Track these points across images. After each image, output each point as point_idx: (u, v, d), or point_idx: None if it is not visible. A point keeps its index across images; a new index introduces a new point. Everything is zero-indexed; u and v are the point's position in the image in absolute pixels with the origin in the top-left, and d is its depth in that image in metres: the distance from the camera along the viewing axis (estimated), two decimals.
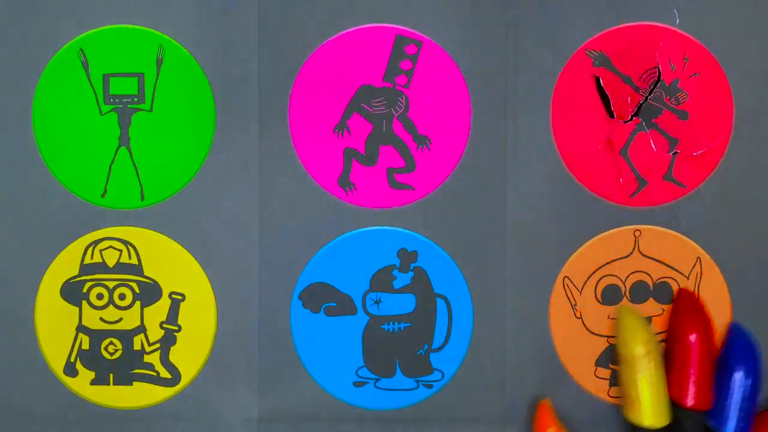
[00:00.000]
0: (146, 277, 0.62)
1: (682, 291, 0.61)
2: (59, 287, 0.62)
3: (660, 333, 0.62)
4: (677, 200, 0.62)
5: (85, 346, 0.63)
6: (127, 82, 0.61)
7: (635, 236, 0.62)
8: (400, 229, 0.62)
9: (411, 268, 0.62)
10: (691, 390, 0.58)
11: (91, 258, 0.62)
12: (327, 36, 0.61)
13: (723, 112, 0.61)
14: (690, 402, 0.58)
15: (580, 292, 0.62)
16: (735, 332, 0.60)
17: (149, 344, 0.63)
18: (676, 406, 0.58)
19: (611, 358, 0.62)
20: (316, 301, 0.62)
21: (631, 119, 0.61)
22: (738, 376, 0.58)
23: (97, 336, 0.63)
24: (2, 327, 0.62)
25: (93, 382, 0.63)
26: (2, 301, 0.62)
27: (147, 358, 0.63)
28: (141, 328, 0.63)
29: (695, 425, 0.58)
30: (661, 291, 0.62)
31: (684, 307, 0.60)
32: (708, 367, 0.58)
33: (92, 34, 0.61)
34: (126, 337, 0.63)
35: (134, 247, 0.62)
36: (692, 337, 0.58)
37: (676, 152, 0.61)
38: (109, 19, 0.61)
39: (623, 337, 0.58)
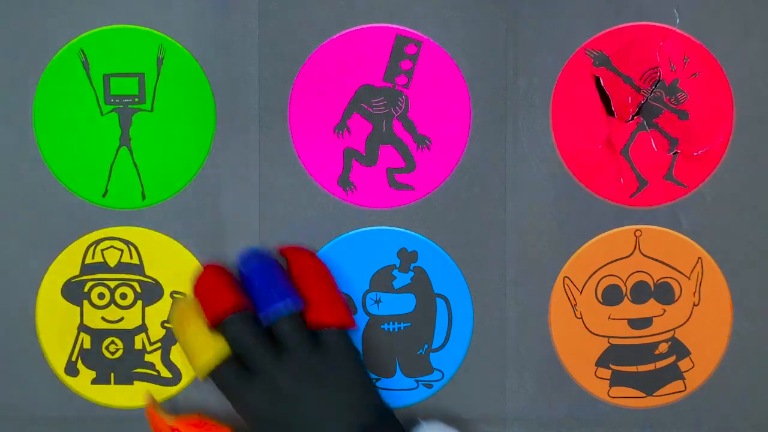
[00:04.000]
0: (147, 277, 0.62)
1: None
2: (60, 287, 0.62)
3: (659, 333, 0.62)
4: (678, 200, 0.62)
5: (87, 345, 0.63)
6: (128, 82, 0.61)
7: (636, 236, 0.62)
8: (400, 229, 0.62)
9: (411, 268, 0.62)
10: (328, 311, 0.57)
11: (93, 258, 0.62)
12: (327, 36, 0.61)
13: (723, 112, 0.61)
14: (333, 320, 0.57)
15: (581, 293, 0.62)
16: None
17: (150, 344, 0.63)
18: (323, 332, 0.57)
19: None
20: None
21: (632, 119, 0.61)
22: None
23: (98, 335, 0.63)
24: (3, 326, 0.62)
25: (94, 382, 0.63)
26: (3, 300, 0.62)
27: (148, 358, 0.63)
28: (142, 328, 0.63)
29: (343, 344, 0.57)
30: (661, 291, 0.62)
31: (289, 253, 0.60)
32: (332, 288, 0.58)
33: (93, 35, 0.61)
34: (127, 336, 0.63)
35: (135, 247, 0.62)
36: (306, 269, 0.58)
37: (676, 152, 0.61)
38: (110, 19, 0.61)
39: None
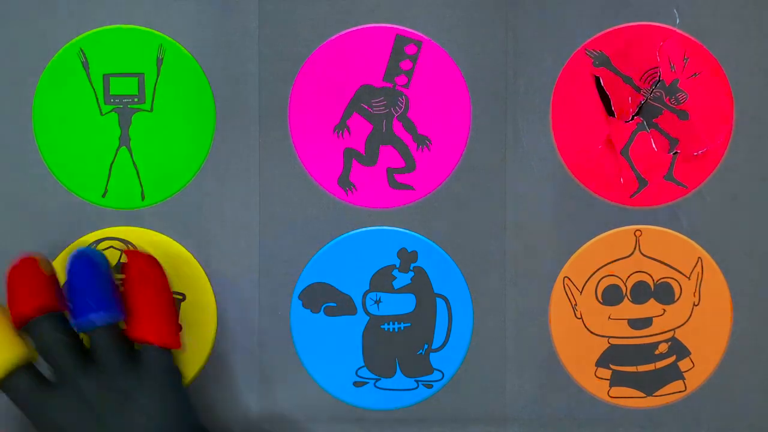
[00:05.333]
0: None
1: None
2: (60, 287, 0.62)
3: (659, 333, 0.62)
4: (678, 200, 0.62)
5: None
6: (128, 82, 0.61)
7: (636, 236, 0.62)
8: (400, 229, 0.62)
9: (411, 268, 0.62)
10: (150, 326, 0.54)
11: None
12: (327, 36, 0.61)
13: (723, 112, 0.61)
14: (153, 338, 0.54)
15: (581, 293, 0.62)
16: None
17: None
18: (143, 348, 0.54)
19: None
20: (316, 301, 0.62)
21: (632, 119, 0.61)
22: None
23: None
24: None
25: None
26: (4, 301, 0.62)
27: None
28: None
29: (161, 366, 0.54)
30: (662, 291, 0.62)
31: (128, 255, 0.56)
32: (162, 301, 0.55)
33: (92, 34, 0.61)
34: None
35: (135, 247, 0.62)
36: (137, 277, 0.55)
37: (676, 152, 0.61)
38: (110, 19, 0.61)
39: None
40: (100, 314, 0.53)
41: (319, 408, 0.62)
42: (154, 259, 0.57)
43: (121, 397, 0.53)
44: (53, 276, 0.55)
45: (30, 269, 0.54)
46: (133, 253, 0.57)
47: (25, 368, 0.53)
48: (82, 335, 0.55)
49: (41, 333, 0.53)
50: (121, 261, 0.57)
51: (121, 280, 0.56)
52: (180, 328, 0.56)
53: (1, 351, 0.52)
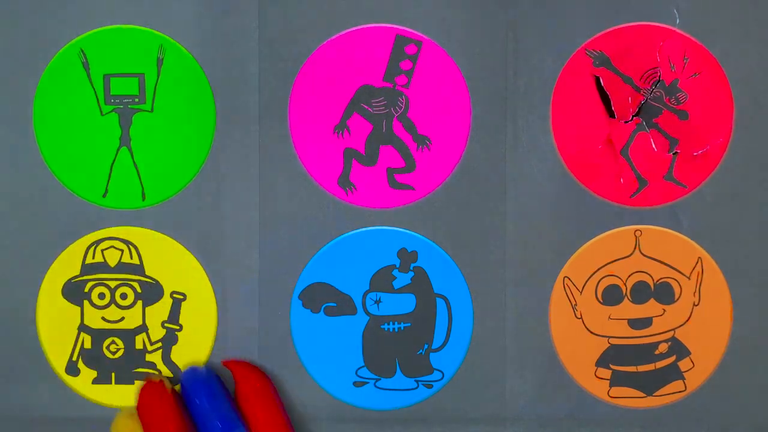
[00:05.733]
0: (148, 277, 0.62)
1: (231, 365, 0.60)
2: (61, 287, 0.62)
3: (659, 333, 0.62)
4: (678, 200, 0.62)
5: (87, 345, 0.63)
6: (128, 82, 0.62)
7: (636, 236, 0.62)
8: (400, 229, 0.62)
9: (411, 268, 0.62)
10: None
11: (93, 258, 0.62)
12: (327, 36, 0.61)
13: (723, 112, 0.61)
14: None
15: (581, 293, 0.62)
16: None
17: (151, 343, 0.63)
18: None
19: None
20: (316, 301, 0.62)
21: (632, 119, 0.61)
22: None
23: (98, 335, 0.63)
24: (4, 326, 0.62)
25: (95, 381, 0.63)
26: (4, 300, 0.62)
27: (149, 357, 0.63)
28: (143, 328, 0.63)
29: None
30: (662, 291, 0.62)
31: (238, 373, 0.60)
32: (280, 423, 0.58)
33: (93, 35, 0.62)
34: (128, 336, 0.63)
35: (135, 247, 0.62)
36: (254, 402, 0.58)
37: (676, 152, 0.61)
38: (110, 19, 0.61)
39: None
40: None
41: (319, 408, 0.62)
42: (262, 372, 0.60)
43: None
44: (177, 394, 0.58)
45: (159, 392, 0.58)
46: (241, 366, 0.60)
47: None
48: None
49: None
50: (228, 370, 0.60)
51: (235, 391, 0.59)
52: None
53: None
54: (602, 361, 0.62)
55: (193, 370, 0.60)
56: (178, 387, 0.60)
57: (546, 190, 0.61)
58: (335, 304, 0.62)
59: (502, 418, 0.62)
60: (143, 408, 0.58)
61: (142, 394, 0.58)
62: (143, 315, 0.63)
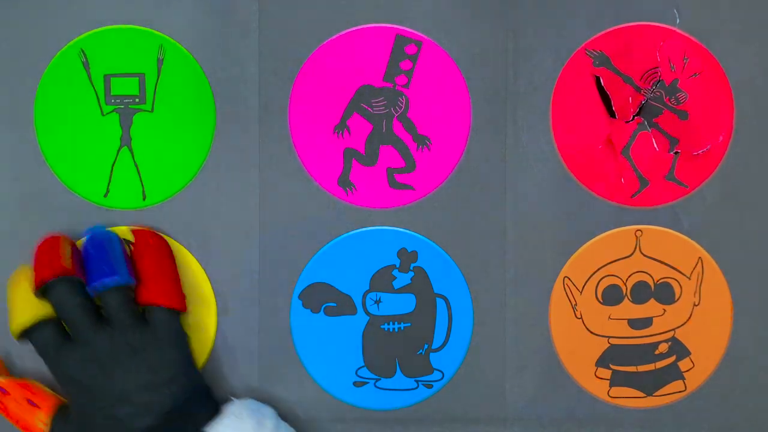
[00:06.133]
0: None
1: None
2: None
3: (659, 333, 0.62)
4: (679, 200, 0.62)
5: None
6: (128, 82, 0.62)
7: (636, 236, 0.62)
8: (400, 229, 0.62)
9: (411, 268, 0.62)
10: (162, 291, 0.59)
11: None
12: (327, 36, 0.61)
13: (723, 112, 0.61)
14: (164, 301, 0.58)
15: (581, 293, 0.62)
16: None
17: None
18: (152, 309, 0.58)
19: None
20: (316, 301, 0.62)
21: (632, 119, 0.61)
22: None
23: None
24: (4, 326, 0.62)
25: None
26: (4, 300, 0.62)
27: None
28: None
29: (169, 325, 0.58)
30: (662, 291, 0.62)
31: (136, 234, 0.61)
32: (169, 270, 0.60)
33: (93, 35, 0.62)
34: None
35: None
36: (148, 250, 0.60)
37: (677, 152, 0.61)
38: (110, 19, 0.61)
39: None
40: (114, 278, 0.57)
41: (319, 408, 0.62)
42: (159, 234, 0.61)
43: (130, 352, 0.57)
44: (73, 247, 0.59)
45: (52, 242, 0.59)
46: (140, 230, 0.61)
47: (47, 324, 0.57)
48: (97, 300, 0.58)
49: (59, 294, 0.57)
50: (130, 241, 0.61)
51: (131, 251, 0.60)
52: (184, 296, 0.60)
53: (25, 307, 0.57)
54: (602, 361, 0.62)
55: (93, 228, 0.61)
56: (80, 242, 0.61)
57: (546, 190, 0.61)
58: (335, 304, 0.62)
59: (502, 418, 0.62)
60: (36, 254, 0.58)
61: (38, 244, 0.59)
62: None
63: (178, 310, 0.59)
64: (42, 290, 0.57)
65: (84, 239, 0.60)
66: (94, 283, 0.57)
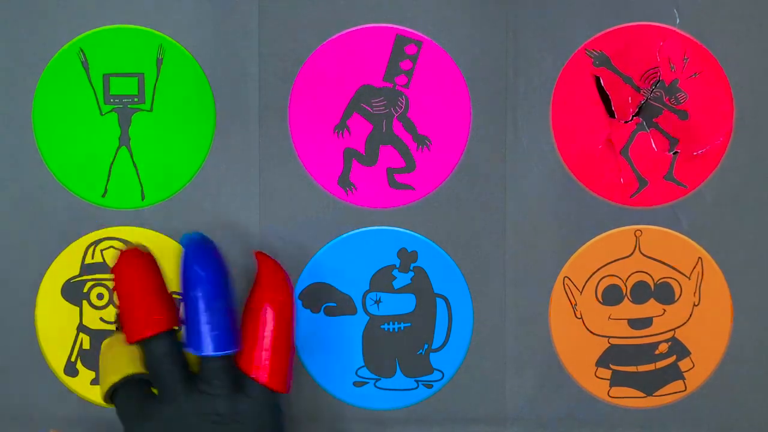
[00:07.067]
0: None
1: (261, 257, 0.57)
2: (60, 287, 0.62)
3: (659, 333, 0.62)
4: (678, 200, 0.62)
5: (86, 345, 0.63)
6: (127, 82, 0.61)
7: (636, 236, 0.62)
8: (400, 229, 0.62)
9: (411, 268, 0.62)
10: (264, 365, 0.54)
11: (92, 258, 0.62)
12: (327, 36, 0.61)
13: (723, 112, 0.61)
14: (263, 378, 0.54)
15: (581, 293, 0.62)
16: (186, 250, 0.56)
17: None
18: (249, 381, 0.55)
19: None
20: (316, 301, 0.62)
21: (632, 119, 0.61)
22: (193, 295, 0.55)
23: (97, 336, 0.63)
24: (3, 326, 0.62)
25: (93, 382, 0.63)
26: (3, 300, 0.62)
27: None
28: None
29: (264, 404, 0.55)
30: (662, 291, 0.62)
31: (265, 278, 0.57)
32: (284, 344, 0.55)
33: (92, 34, 0.61)
34: None
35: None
36: (268, 311, 0.55)
37: (676, 152, 0.61)
38: (109, 19, 0.61)
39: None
40: (219, 354, 0.54)
41: (319, 408, 0.62)
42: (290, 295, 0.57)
43: (218, 419, 0.54)
44: (163, 285, 0.57)
45: (148, 282, 0.55)
46: (270, 294, 0.56)
47: (133, 381, 0.55)
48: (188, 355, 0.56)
49: (154, 350, 0.54)
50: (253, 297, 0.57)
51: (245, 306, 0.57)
52: (291, 376, 0.56)
53: (115, 372, 0.55)
54: (602, 361, 0.62)
55: (191, 237, 0.57)
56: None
57: (546, 190, 0.62)
58: (335, 304, 0.62)
59: (502, 418, 0.62)
60: (116, 275, 0.56)
61: (117, 262, 0.56)
62: None
63: (278, 391, 0.55)
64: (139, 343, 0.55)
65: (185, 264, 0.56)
66: (197, 352, 0.54)
